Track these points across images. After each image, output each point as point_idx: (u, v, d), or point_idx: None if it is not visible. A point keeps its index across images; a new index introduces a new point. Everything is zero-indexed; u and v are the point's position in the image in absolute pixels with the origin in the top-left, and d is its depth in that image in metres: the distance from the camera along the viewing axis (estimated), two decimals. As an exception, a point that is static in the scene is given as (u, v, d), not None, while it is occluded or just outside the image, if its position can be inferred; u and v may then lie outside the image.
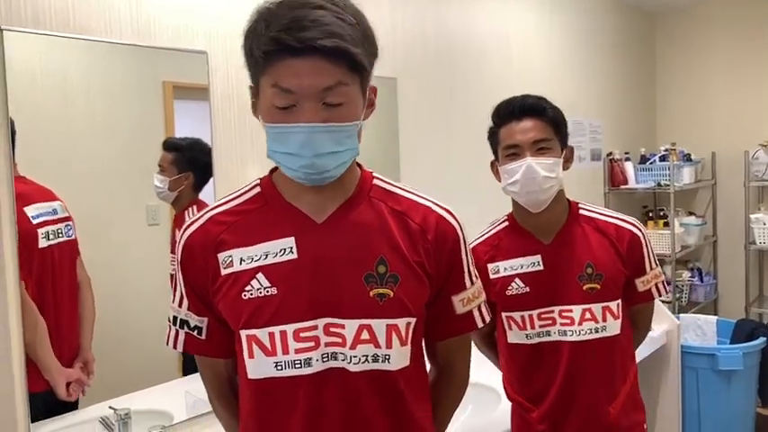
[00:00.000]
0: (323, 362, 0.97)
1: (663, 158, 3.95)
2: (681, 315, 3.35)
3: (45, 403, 1.50)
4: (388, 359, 0.98)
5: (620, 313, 1.50)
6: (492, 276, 1.54)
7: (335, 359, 0.97)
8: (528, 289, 1.50)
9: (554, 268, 1.50)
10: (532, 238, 1.53)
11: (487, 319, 1.12)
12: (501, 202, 2.14)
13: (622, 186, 3.90)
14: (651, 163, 4.01)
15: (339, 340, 0.97)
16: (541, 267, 1.50)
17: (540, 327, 1.51)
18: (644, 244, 1.53)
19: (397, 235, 1.01)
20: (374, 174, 1.09)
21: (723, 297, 4.37)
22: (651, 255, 1.55)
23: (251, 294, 0.98)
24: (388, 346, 0.98)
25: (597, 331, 1.48)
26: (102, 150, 1.59)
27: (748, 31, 4.16)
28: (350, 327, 0.97)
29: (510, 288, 1.52)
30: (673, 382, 2.67)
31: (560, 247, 1.50)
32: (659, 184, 3.87)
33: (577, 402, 1.50)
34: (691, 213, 4.28)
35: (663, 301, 3.02)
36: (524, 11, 3.19)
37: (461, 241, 1.08)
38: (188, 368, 1.71)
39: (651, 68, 4.54)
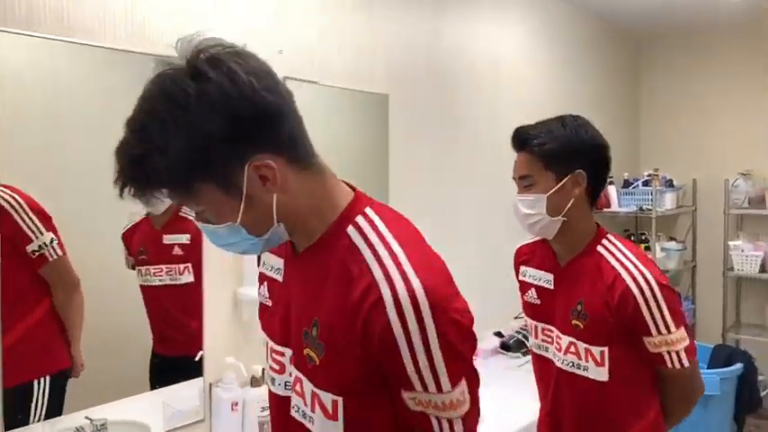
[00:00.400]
0: (285, 388, 0.94)
1: (646, 183, 4.00)
2: (660, 339, 3.37)
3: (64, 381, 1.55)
4: (313, 421, 0.88)
5: (607, 362, 1.40)
6: (520, 278, 1.61)
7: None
8: (539, 302, 1.54)
9: (559, 292, 1.49)
10: (554, 257, 1.52)
11: None
12: (490, 222, 2.07)
13: (605, 209, 3.93)
14: (634, 187, 4.06)
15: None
16: (551, 287, 1.51)
17: (542, 341, 1.54)
18: (643, 303, 1.35)
19: (340, 301, 0.84)
20: (368, 209, 0.89)
21: (701, 322, 4.41)
22: (659, 317, 1.35)
23: (260, 298, 1.04)
24: (312, 410, 0.88)
25: (579, 368, 1.45)
26: (90, 157, 1.55)
27: (733, 61, 4.25)
28: (294, 372, 0.92)
29: (527, 294, 1.57)
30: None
31: (568, 275, 1.48)
32: (641, 209, 3.92)
33: (563, 426, 1.50)
34: (671, 238, 4.34)
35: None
36: (514, 34, 3.22)
37: (398, 333, 0.79)
38: (156, 381, 1.69)
39: (636, 94, 4.61)
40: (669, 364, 1.38)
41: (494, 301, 2.98)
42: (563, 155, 1.40)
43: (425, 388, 0.81)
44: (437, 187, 2.69)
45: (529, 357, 2.62)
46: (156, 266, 1.73)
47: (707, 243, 4.36)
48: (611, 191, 4.00)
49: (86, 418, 1.53)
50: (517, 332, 2.79)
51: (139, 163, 0.77)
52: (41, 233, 1.49)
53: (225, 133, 0.76)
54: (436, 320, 0.79)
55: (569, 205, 1.40)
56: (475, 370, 0.85)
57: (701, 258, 4.42)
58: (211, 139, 0.76)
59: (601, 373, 1.41)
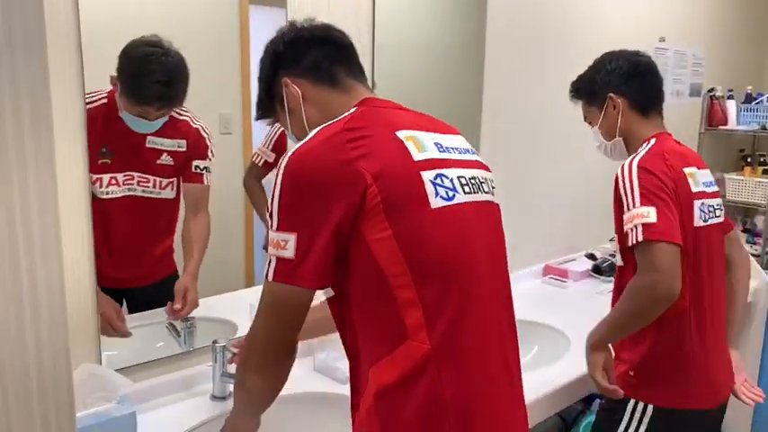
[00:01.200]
0: None
1: (772, 99, 3.58)
2: (769, 271, 3.10)
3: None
4: None
5: (618, 246, 1.51)
6: None
7: None
8: None
9: None
10: None
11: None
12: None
13: (721, 127, 3.57)
14: (757, 103, 3.65)
15: None
16: None
17: None
18: (621, 182, 1.44)
19: None
20: (332, 121, 1.03)
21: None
22: (629, 193, 1.40)
23: None
24: None
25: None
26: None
27: None
28: None
29: None
30: (754, 344, 2.50)
31: None
32: (764, 127, 3.52)
33: None
34: (794, 161, 3.91)
35: (753, 255, 2.78)
36: None
37: None
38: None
39: (771, -4, 4.06)
40: (629, 242, 1.37)
41: (587, 222, 2.83)
42: (592, 88, 1.61)
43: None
44: (533, 98, 2.50)
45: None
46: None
47: (836, 168, 3.90)
48: (730, 106, 3.62)
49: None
50: (611, 255, 2.64)
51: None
52: (212, 157, 1.59)
53: (271, 67, 1.11)
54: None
55: (618, 126, 1.57)
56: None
57: (827, 185, 3.98)
58: (267, 73, 1.12)
59: (618, 259, 1.53)
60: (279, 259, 0.92)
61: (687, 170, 1.46)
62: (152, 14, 1.47)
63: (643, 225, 1.34)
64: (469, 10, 2.16)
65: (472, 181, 1.02)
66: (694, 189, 1.46)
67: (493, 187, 1.09)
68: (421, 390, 0.92)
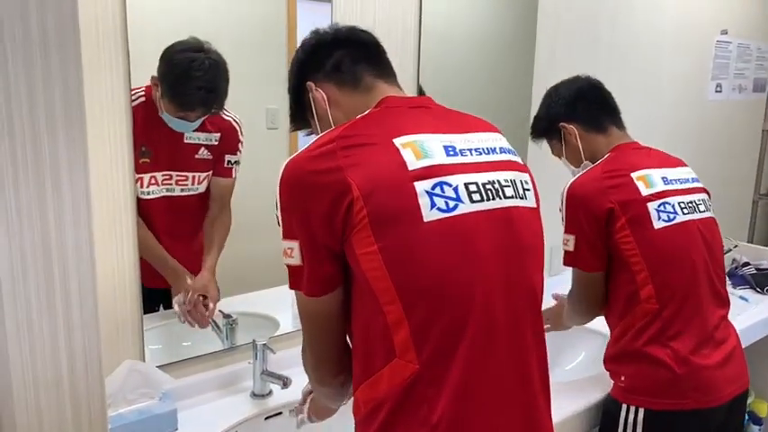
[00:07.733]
0: None
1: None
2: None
3: None
4: None
5: None
6: None
7: None
8: None
9: None
10: None
11: None
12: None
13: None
14: None
15: None
16: None
17: None
18: (560, 202, 1.51)
19: None
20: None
21: None
22: (562, 216, 1.51)
23: None
24: None
25: None
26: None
27: None
28: None
29: None
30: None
31: None
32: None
33: None
34: None
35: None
36: None
37: None
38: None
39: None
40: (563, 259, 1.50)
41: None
42: (546, 125, 1.63)
43: None
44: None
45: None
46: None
47: None
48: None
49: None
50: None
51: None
52: (242, 150, 1.59)
53: (297, 76, 1.10)
54: None
55: (581, 150, 1.58)
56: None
57: None
58: (294, 83, 1.11)
59: None
60: (289, 267, 0.92)
61: (636, 174, 1.45)
62: (200, 8, 1.47)
63: (565, 252, 1.47)
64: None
65: (487, 186, 0.94)
66: (646, 192, 1.44)
67: (526, 189, 1.01)
68: (409, 409, 0.88)
